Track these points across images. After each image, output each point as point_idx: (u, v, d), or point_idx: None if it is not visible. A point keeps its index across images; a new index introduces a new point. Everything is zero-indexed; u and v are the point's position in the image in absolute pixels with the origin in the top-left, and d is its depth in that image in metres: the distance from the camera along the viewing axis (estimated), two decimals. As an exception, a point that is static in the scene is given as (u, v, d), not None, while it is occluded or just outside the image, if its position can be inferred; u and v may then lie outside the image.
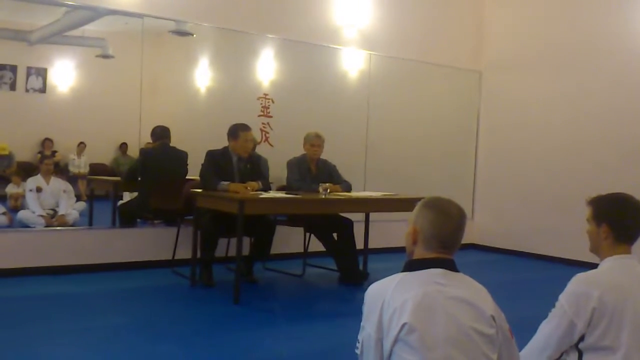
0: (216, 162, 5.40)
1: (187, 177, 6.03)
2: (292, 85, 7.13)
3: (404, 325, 1.78)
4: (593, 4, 7.32)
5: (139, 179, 6.10)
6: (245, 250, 5.47)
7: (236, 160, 5.50)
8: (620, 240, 2.34)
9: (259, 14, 6.79)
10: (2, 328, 3.94)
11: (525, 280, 6.63)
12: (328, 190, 5.34)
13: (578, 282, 2.27)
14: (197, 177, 5.55)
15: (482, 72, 8.55)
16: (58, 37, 6.97)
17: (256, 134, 6.71)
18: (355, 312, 2.12)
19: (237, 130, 5.47)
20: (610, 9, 7.15)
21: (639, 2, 6.92)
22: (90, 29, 6.77)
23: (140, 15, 6.11)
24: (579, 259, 6.72)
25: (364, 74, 7.64)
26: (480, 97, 8.58)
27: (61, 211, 6.48)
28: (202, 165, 5.44)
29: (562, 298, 2.27)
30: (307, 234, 6.15)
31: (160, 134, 6.12)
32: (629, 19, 6.99)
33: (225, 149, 5.51)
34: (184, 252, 5.71)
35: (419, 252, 1.98)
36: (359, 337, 1.93)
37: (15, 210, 6.59)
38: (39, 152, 7.12)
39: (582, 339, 2.23)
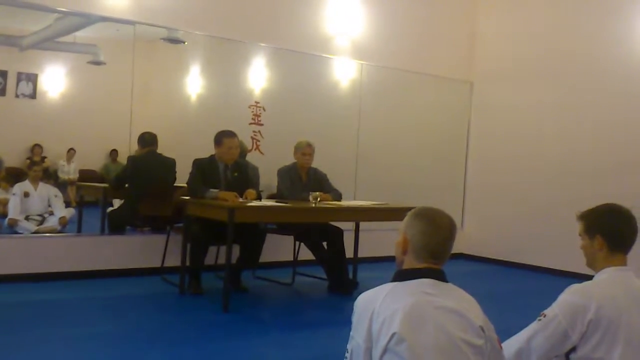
0: (203, 171, 5.38)
1: (176, 185, 6.01)
2: (283, 93, 7.15)
3: (393, 335, 1.78)
4: (584, 14, 7.39)
5: (127, 185, 6.08)
6: (234, 259, 5.45)
7: (222, 168, 5.48)
8: (616, 250, 2.33)
9: (251, 23, 6.80)
10: (-12, 335, 3.91)
11: (515, 290, 6.64)
12: (318, 199, 5.35)
13: (574, 293, 2.25)
14: (186, 185, 5.54)
15: (473, 83, 8.59)
16: (49, 43, 6.95)
17: (247, 142, 6.72)
18: (345, 321, 2.11)
19: (221, 137, 5.46)
20: (602, 19, 7.22)
21: (630, 12, 6.99)
22: (82, 35, 6.76)
23: (131, 22, 6.11)
24: (570, 270, 6.77)
25: (355, 84, 7.66)
26: (471, 108, 8.62)
27: (59, 214, 6.47)
28: (190, 174, 5.42)
29: (557, 308, 2.24)
30: (297, 243, 6.14)
31: (149, 140, 6.10)
32: (620, 29, 7.05)
33: (212, 157, 5.50)
34: (173, 260, 5.68)
35: (409, 262, 1.98)
36: (348, 347, 1.93)
37: (3, 216, 6.55)
38: (28, 158, 7.08)
39: (573, 349, 2.22)
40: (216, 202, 4.97)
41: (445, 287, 1.94)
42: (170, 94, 6.92)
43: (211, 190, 5.14)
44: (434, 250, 1.95)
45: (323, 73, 7.48)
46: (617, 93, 7.02)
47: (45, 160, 7.26)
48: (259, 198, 5.47)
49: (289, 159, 6.00)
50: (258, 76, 7.07)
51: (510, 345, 2.28)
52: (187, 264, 5.38)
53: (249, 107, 6.93)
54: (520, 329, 2.32)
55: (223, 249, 5.55)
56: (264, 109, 6.99)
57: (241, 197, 5.12)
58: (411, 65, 8.01)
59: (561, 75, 7.57)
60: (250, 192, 5.26)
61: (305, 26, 7.21)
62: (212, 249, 5.84)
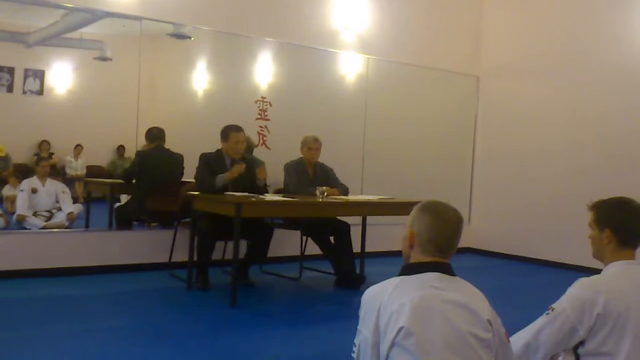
0: (210, 165, 5.39)
1: (183, 180, 6.03)
2: (289, 88, 7.14)
3: (400, 329, 1.78)
4: (589, 9, 7.35)
5: (134, 181, 6.11)
6: (242, 254, 5.46)
7: (229, 162, 5.49)
8: (624, 245, 2.33)
9: (257, 18, 6.80)
10: (-3, 330, 3.93)
11: (522, 284, 6.63)
12: (325, 194, 5.35)
13: (582, 287, 2.25)
14: (193, 180, 5.55)
15: (479, 77, 8.57)
16: (56, 39, 6.95)
17: (254, 137, 6.73)
18: (352, 316, 2.11)
19: (228, 132, 5.48)
20: (606, 14, 7.18)
21: (635, 8, 6.95)
22: (88, 31, 6.76)
23: (138, 18, 6.12)
24: (577, 264, 6.77)
25: (361, 78, 7.64)
26: (478, 102, 8.60)
27: (67, 210, 6.50)
28: (197, 168, 5.43)
29: (565, 302, 2.23)
30: (304, 237, 6.14)
31: (157, 135, 6.13)
32: (625, 23, 7.01)
33: (219, 151, 5.51)
34: (181, 255, 5.70)
35: (416, 256, 1.98)
36: (356, 341, 1.93)
37: (12, 212, 6.57)
38: (36, 154, 7.10)
39: (581, 343, 2.21)
40: (224, 197, 4.98)
41: (453, 281, 1.94)
42: (177, 90, 6.92)
43: (219, 176, 5.18)
44: (441, 244, 1.95)
45: (329, 68, 7.47)
46: (624, 87, 6.98)
47: (53, 156, 7.27)
48: (266, 188, 5.50)
49: (296, 154, 6.01)
50: (264, 71, 7.07)
51: (518, 339, 2.28)
52: (195, 259, 5.40)
53: (256, 102, 6.93)
54: (528, 323, 2.32)
55: (230, 244, 5.56)
56: (271, 104, 6.99)
57: (249, 191, 5.14)
58: (417, 60, 7.99)
59: (567, 69, 7.53)
60: (260, 170, 5.32)
61: (312, 21, 7.20)
62: (220, 244, 5.85)
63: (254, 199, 4.95)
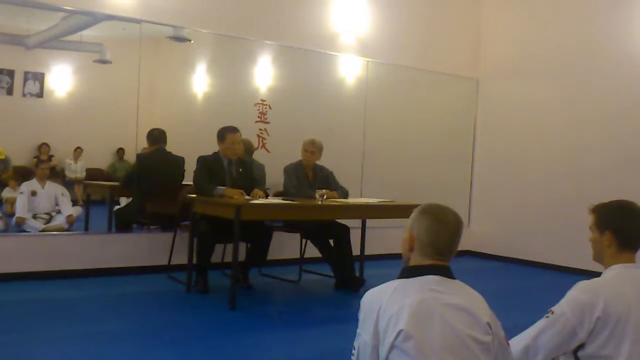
0: (208, 167, 5.39)
1: (183, 183, 6.02)
2: (289, 91, 7.15)
3: (400, 332, 1.78)
4: (589, 10, 7.36)
5: (135, 184, 6.10)
6: (241, 256, 5.45)
7: (227, 164, 5.49)
8: (624, 248, 2.32)
9: (256, 20, 6.81)
10: (-4, 333, 3.93)
11: (522, 287, 6.63)
12: (325, 197, 5.34)
13: (582, 290, 2.24)
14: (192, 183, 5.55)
15: (479, 80, 8.57)
16: (56, 42, 6.95)
17: (253, 139, 6.73)
18: (351, 319, 2.11)
19: (224, 133, 5.47)
20: (606, 15, 7.19)
21: (635, 8, 6.96)
22: (88, 34, 6.76)
23: (138, 21, 6.13)
24: (577, 267, 6.76)
25: (361, 81, 7.65)
26: (478, 105, 8.60)
27: (66, 212, 6.50)
28: (195, 171, 5.42)
29: (565, 305, 2.23)
30: (304, 240, 6.14)
31: (158, 137, 6.12)
32: (625, 25, 7.02)
33: (216, 153, 5.51)
34: (180, 258, 5.70)
35: (416, 259, 1.98)
36: (355, 344, 1.93)
37: (11, 215, 6.57)
38: (36, 157, 7.09)
39: (581, 347, 2.21)
40: (223, 199, 4.98)
41: (452, 284, 1.94)
42: (177, 92, 6.93)
43: (218, 187, 5.15)
44: (441, 247, 1.95)
45: (329, 70, 7.47)
46: (623, 89, 6.99)
47: (53, 159, 7.27)
48: (266, 196, 5.48)
49: (296, 157, 6.01)
50: (264, 74, 7.07)
51: (518, 342, 2.28)
52: (194, 261, 5.39)
53: (255, 105, 6.94)
54: (528, 326, 2.32)
55: (229, 246, 5.56)
56: (270, 107, 6.99)
57: (247, 195, 5.13)
58: (417, 63, 8.00)
59: (567, 71, 7.54)
60: (257, 191, 5.27)
61: (311, 23, 7.21)
62: (219, 247, 5.85)
63: (253, 202, 4.94)
